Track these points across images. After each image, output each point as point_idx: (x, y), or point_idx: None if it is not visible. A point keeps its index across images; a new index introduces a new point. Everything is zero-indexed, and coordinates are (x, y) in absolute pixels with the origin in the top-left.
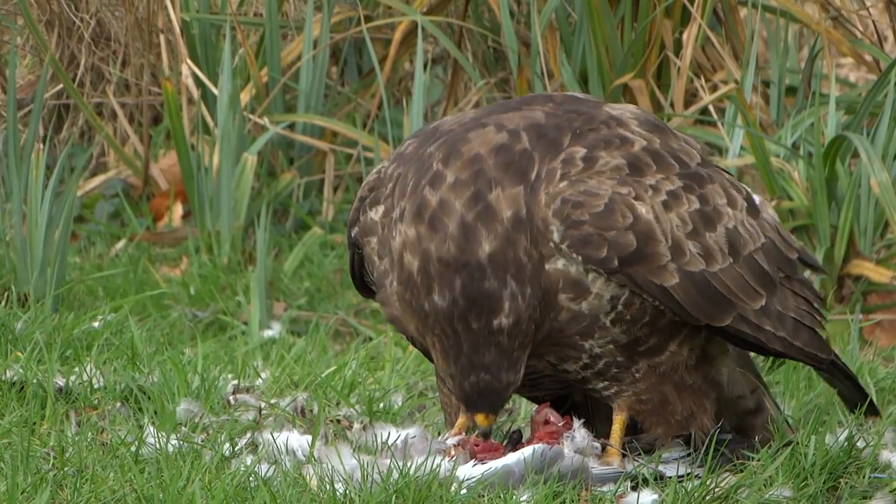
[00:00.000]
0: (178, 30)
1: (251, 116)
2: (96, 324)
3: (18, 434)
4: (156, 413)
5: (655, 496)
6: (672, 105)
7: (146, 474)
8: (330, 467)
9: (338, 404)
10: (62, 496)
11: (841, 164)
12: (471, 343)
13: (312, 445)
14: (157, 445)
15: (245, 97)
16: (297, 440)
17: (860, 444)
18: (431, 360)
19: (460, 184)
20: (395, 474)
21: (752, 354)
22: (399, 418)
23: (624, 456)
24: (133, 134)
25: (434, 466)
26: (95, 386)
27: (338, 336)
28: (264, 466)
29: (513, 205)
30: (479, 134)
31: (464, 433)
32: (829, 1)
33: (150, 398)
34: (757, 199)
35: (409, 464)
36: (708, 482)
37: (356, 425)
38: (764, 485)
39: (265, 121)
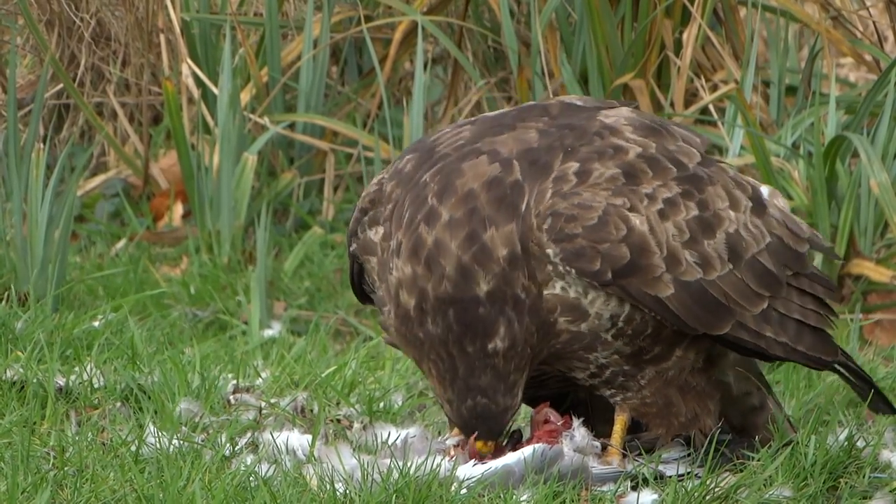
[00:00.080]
0: (178, 29)
1: (251, 116)
2: (96, 323)
3: (19, 434)
4: (156, 413)
5: (655, 496)
6: (672, 105)
7: (146, 474)
8: (330, 467)
9: (338, 404)
10: (62, 496)
11: (841, 164)
12: (466, 366)
13: (312, 445)
14: (158, 445)
15: (245, 97)
16: (297, 440)
17: (860, 443)
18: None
19: (455, 223)
20: (395, 474)
21: None
22: (399, 418)
23: (624, 456)
24: (133, 133)
25: (434, 466)
26: (96, 385)
27: (338, 336)
28: (264, 466)
29: (507, 243)
30: (473, 165)
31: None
32: (829, 1)
33: (150, 398)
34: (765, 190)
35: (409, 464)
36: (708, 482)
37: (356, 425)
38: (764, 484)
39: (265, 120)
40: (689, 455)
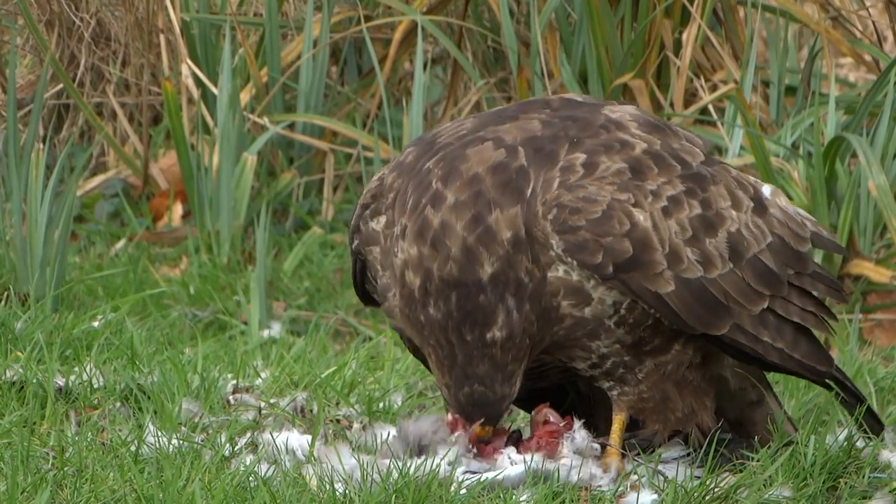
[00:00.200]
0: (178, 30)
1: (251, 116)
2: (96, 323)
3: (18, 434)
4: (155, 413)
5: (655, 496)
6: (672, 105)
7: (146, 474)
8: (330, 467)
9: (337, 404)
10: (62, 496)
11: (840, 164)
12: (465, 354)
13: (312, 445)
14: (157, 445)
15: (245, 97)
16: (296, 440)
17: (860, 443)
18: (428, 367)
19: (461, 205)
20: (395, 474)
21: None
22: (399, 418)
23: (623, 455)
24: (133, 134)
25: (434, 466)
26: (95, 386)
27: (337, 336)
28: (264, 466)
29: (512, 226)
30: (477, 151)
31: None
32: (829, 1)
33: (149, 398)
34: (767, 190)
35: (408, 464)
36: (708, 482)
37: (356, 425)
38: (763, 485)
39: (265, 120)
40: (688, 455)
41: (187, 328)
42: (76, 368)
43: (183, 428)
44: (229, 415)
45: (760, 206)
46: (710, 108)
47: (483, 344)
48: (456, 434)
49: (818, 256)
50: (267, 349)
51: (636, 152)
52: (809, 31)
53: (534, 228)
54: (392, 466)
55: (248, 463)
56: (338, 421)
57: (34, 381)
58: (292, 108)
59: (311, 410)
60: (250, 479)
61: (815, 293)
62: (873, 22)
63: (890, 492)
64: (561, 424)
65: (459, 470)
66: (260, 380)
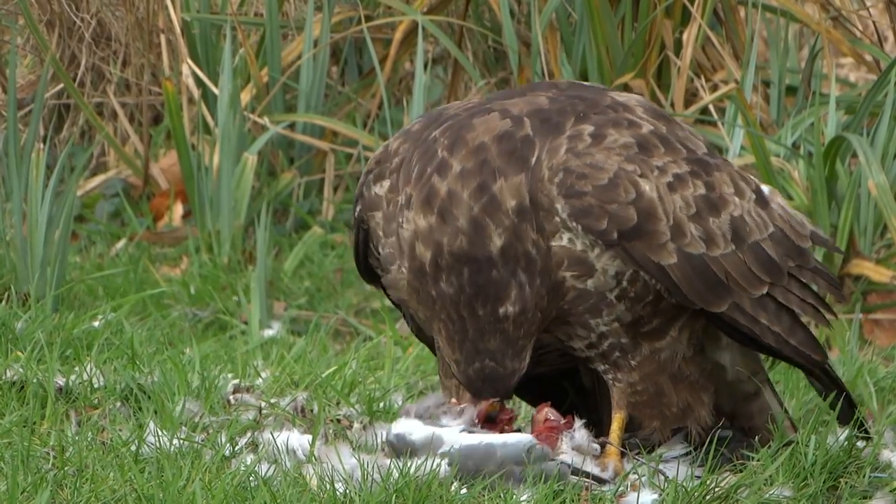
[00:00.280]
0: (178, 30)
1: (251, 116)
2: (96, 323)
3: (19, 434)
4: (156, 413)
5: (655, 496)
6: (672, 105)
7: (146, 474)
8: (330, 467)
9: (338, 404)
10: (62, 496)
11: (841, 164)
12: (476, 329)
13: (312, 445)
14: (158, 445)
15: (245, 97)
16: (297, 440)
17: (860, 443)
18: (432, 350)
19: (466, 173)
20: (395, 474)
21: None
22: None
23: (623, 454)
24: (133, 133)
25: (434, 466)
26: (95, 385)
27: (338, 336)
28: (264, 466)
29: (516, 195)
30: (484, 121)
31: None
32: (829, 1)
33: (150, 398)
34: (766, 189)
35: (408, 463)
36: (708, 482)
37: (356, 425)
38: (764, 484)
39: (265, 120)
40: (688, 454)
41: (188, 328)
42: (76, 368)
43: (183, 428)
44: (230, 414)
45: (762, 198)
46: (711, 107)
47: (495, 319)
48: (462, 406)
49: (818, 255)
50: (267, 349)
51: (643, 131)
52: (810, 31)
53: (539, 194)
54: (393, 466)
55: (248, 463)
56: (338, 421)
57: (34, 380)
58: (293, 108)
59: (312, 410)
60: (251, 478)
61: (814, 287)
62: (874, 22)
63: (890, 491)
64: (562, 422)
65: (458, 429)
66: (260, 379)
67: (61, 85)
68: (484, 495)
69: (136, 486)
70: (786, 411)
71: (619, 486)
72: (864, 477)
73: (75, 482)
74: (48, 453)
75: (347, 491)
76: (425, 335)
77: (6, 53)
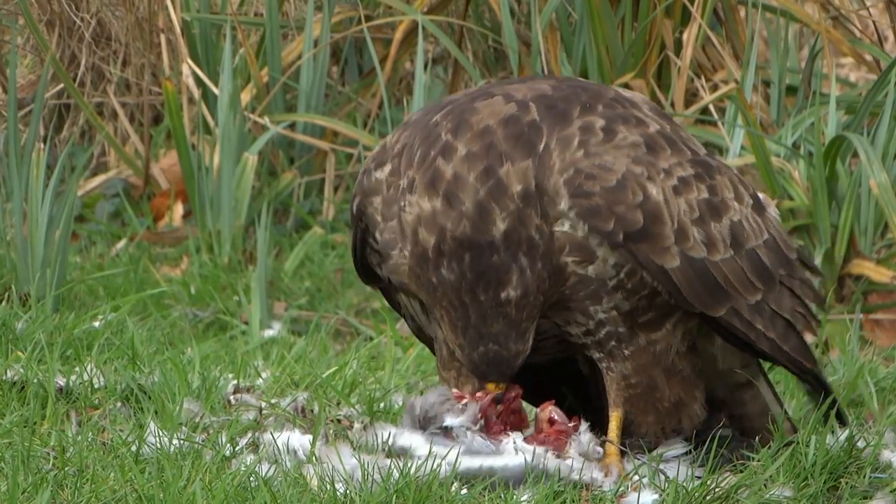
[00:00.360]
0: (178, 29)
1: (252, 116)
2: (97, 323)
3: (19, 434)
4: (156, 413)
5: (656, 496)
6: (672, 105)
7: (147, 474)
8: (330, 467)
9: (338, 404)
10: (63, 496)
11: (841, 164)
12: (479, 314)
13: (313, 445)
14: (158, 445)
15: (246, 97)
16: (297, 440)
17: (860, 443)
18: (432, 350)
19: (472, 157)
20: (396, 474)
21: None
22: (399, 418)
23: (623, 454)
24: (134, 133)
25: (435, 466)
26: (96, 386)
27: (338, 336)
28: (265, 466)
29: (522, 180)
30: (488, 104)
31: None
32: (830, 1)
33: (150, 398)
34: (761, 196)
35: (409, 463)
36: (708, 482)
37: (357, 425)
38: (764, 485)
39: (266, 120)
40: (688, 454)
41: (188, 328)
42: (77, 368)
43: (184, 428)
44: (230, 415)
45: (759, 204)
46: (711, 107)
47: (497, 303)
48: (464, 402)
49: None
50: (268, 349)
51: (650, 130)
52: (810, 31)
53: (546, 181)
54: (393, 466)
55: (248, 463)
56: (339, 421)
57: (35, 381)
58: (293, 108)
59: (312, 410)
60: (251, 479)
61: (800, 297)
62: (874, 22)
63: (891, 492)
64: (569, 424)
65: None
66: (261, 380)
67: (61, 85)
68: (484, 495)
69: (137, 487)
70: (785, 413)
71: (619, 486)
72: (864, 477)
73: (76, 482)
74: (49, 453)
75: (348, 491)
76: (425, 335)
77: (6, 53)
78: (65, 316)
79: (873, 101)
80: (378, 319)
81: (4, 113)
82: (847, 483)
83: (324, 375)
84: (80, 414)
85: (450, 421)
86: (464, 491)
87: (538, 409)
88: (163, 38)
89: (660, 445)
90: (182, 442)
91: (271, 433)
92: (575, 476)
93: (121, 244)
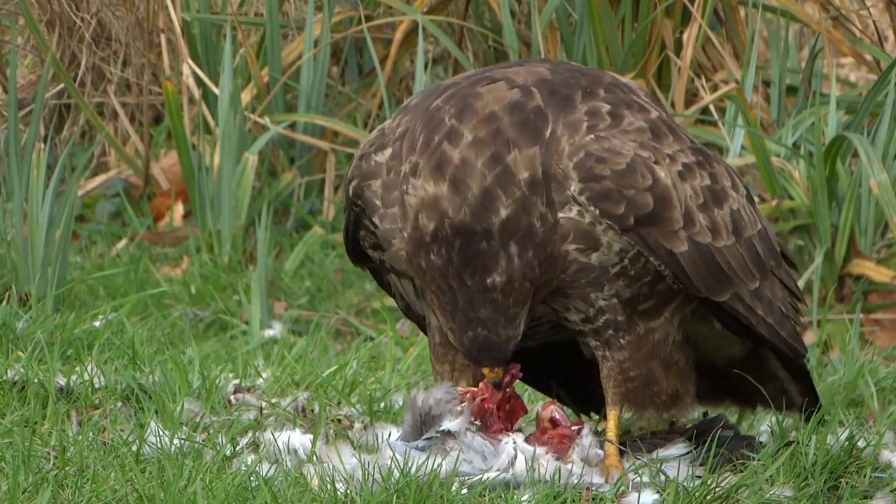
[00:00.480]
0: (178, 29)
1: (252, 116)
2: (97, 323)
3: (20, 434)
4: (157, 413)
5: (656, 495)
6: (673, 105)
7: (147, 474)
8: (331, 467)
9: (339, 404)
10: (63, 496)
11: (841, 164)
12: (466, 299)
13: (313, 445)
14: (159, 445)
15: (246, 97)
16: (298, 440)
17: (861, 443)
18: (421, 328)
19: (479, 142)
20: (396, 474)
21: None
22: (400, 418)
23: (623, 453)
24: (134, 133)
25: (435, 466)
26: (96, 385)
27: (339, 336)
28: (265, 466)
29: (530, 167)
30: (491, 89)
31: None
32: (830, 1)
33: (151, 398)
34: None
35: (409, 463)
36: (709, 482)
37: (357, 425)
38: (765, 484)
39: (266, 120)
40: (689, 454)
41: (188, 328)
42: (77, 368)
43: (184, 428)
44: (231, 414)
45: (750, 196)
46: (711, 107)
47: (483, 289)
48: (462, 405)
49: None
50: (268, 349)
51: (652, 116)
52: (810, 31)
53: (555, 167)
54: (393, 466)
55: (249, 463)
56: (339, 421)
57: (35, 380)
58: (293, 108)
59: (313, 410)
60: (252, 478)
61: (788, 288)
62: (874, 21)
63: (891, 491)
64: (572, 428)
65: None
66: (261, 379)
67: (62, 85)
68: (484, 495)
69: (137, 486)
70: (811, 384)
71: (619, 486)
72: (864, 477)
73: (76, 482)
74: (49, 453)
75: (348, 491)
76: (413, 313)
77: (7, 53)
78: (65, 316)
79: (873, 101)
80: (378, 319)
81: (5, 113)
82: (847, 483)
83: (324, 375)
84: (81, 414)
85: (448, 424)
86: (464, 491)
87: (540, 408)
88: (163, 38)
89: (660, 446)
90: (183, 442)
91: (272, 433)
92: (575, 480)
93: (121, 244)
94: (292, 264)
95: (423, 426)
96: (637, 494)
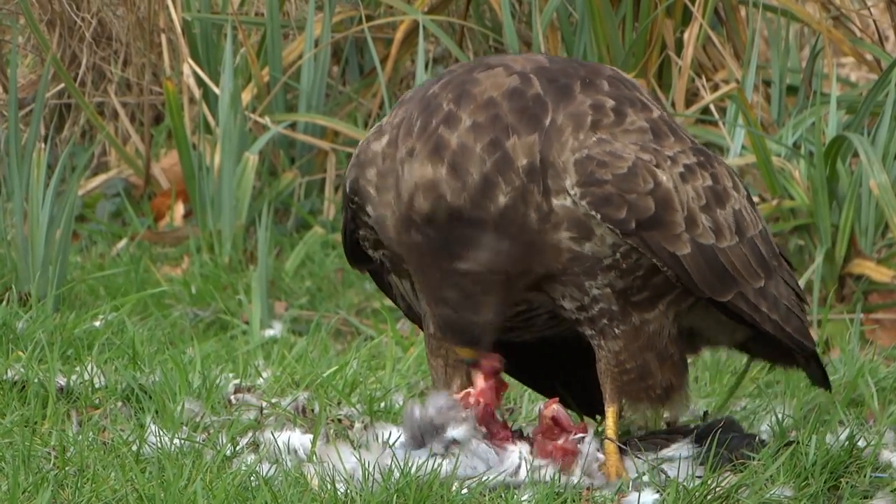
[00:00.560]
0: (179, 29)
1: (252, 116)
2: (97, 323)
3: (20, 433)
4: (157, 412)
5: (657, 495)
6: (673, 104)
7: (147, 474)
8: (331, 467)
9: (339, 404)
10: (63, 496)
11: (842, 164)
12: (439, 280)
13: (314, 445)
14: (159, 445)
15: (246, 96)
16: (298, 439)
17: (861, 443)
18: (421, 327)
19: (478, 127)
20: (396, 474)
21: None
22: (400, 418)
23: (622, 451)
24: (134, 133)
25: (435, 466)
26: (97, 385)
27: (339, 335)
28: (265, 466)
29: (528, 154)
30: (489, 75)
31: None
32: (830, 0)
33: (151, 397)
34: None
35: (409, 463)
36: (709, 481)
37: (357, 425)
38: (765, 484)
39: (266, 120)
40: (689, 453)
41: (189, 328)
42: (77, 368)
43: (184, 427)
44: (231, 414)
45: (749, 197)
46: (712, 107)
47: (453, 273)
48: (467, 412)
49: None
50: (268, 349)
51: (654, 115)
52: (811, 31)
53: (555, 157)
54: (394, 466)
55: (249, 462)
56: (339, 420)
57: (35, 380)
58: (294, 108)
59: (313, 410)
60: (252, 478)
61: (791, 286)
62: (874, 21)
63: (891, 491)
64: (576, 435)
65: (460, 468)
66: (261, 379)
67: (62, 84)
68: (485, 495)
69: (138, 486)
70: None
71: (619, 486)
72: (864, 477)
73: (76, 482)
74: (49, 453)
75: (348, 491)
76: (414, 313)
77: (7, 53)
78: (65, 315)
79: (874, 101)
80: (378, 319)
81: (5, 113)
82: (847, 483)
83: (324, 375)
84: (81, 413)
85: (453, 432)
86: (464, 491)
87: (542, 407)
88: (164, 37)
89: (663, 446)
90: (183, 441)
91: (272, 433)
92: (575, 480)
93: (121, 244)
94: (292, 264)
95: (423, 437)
96: (637, 494)
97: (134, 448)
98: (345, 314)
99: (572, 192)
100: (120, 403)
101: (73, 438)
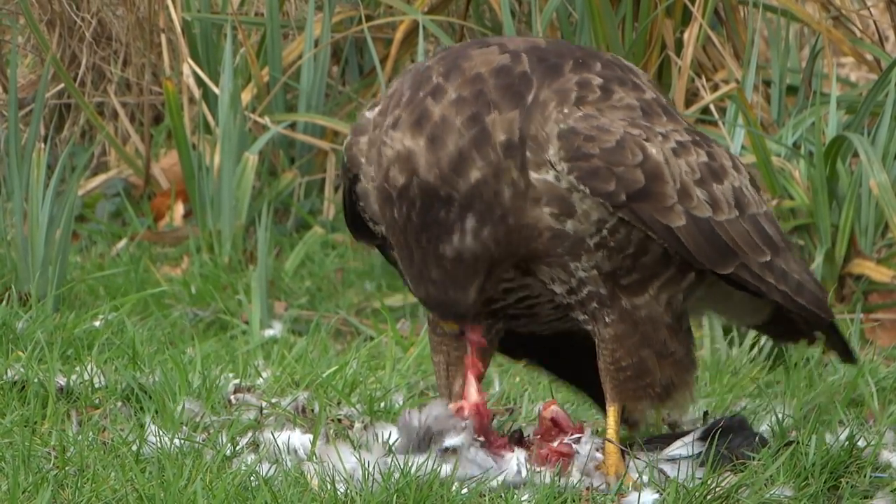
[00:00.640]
0: (179, 29)
1: (252, 116)
2: (97, 323)
3: (20, 433)
4: (157, 412)
5: (657, 495)
6: (673, 104)
7: (147, 474)
8: (331, 466)
9: (339, 404)
10: (63, 496)
11: (842, 164)
12: (421, 258)
13: (313, 445)
14: (159, 445)
15: (246, 96)
16: (298, 439)
17: (861, 443)
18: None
19: (462, 101)
20: (396, 474)
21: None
22: (403, 412)
23: (623, 452)
24: (134, 133)
25: (435, 466)
26: (96, 385)
27: (339, 335)
28: (265, 466)
29: (507, 130)
30: (482, 52)
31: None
32: (830, 0)
33: (151, 397)
34: None
35: (409, 463)
36: (709, 481)
37: (357, 425)
38: (765, 484)
39: (266, 120)
40: (689, 453)
41: (189, 328)
42: (77, 368)
43: (184, 427)
44: (231, 414)
45: (755, 184)
46: (712, 107)
47: (436, 254)
48: (465, 422)
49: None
50: (268, 349)
51: (647, 97)
52: (811, 31)
53: (538, 129)
54: (394, 466)
55: (249, 462)
56: (339, 420)
57: (35, 380)
58: (293, 108)
59: (313, 410)
60: (252, 478)
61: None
62: (874, 21)
63: (891, 491)
64: (573, 436)
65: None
66: (261, 379)
67: (62, 84)
68: (485, 495)
69: (138, 486)
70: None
71: (619, 486)
72: (864, 477)
73: (76, 482)
74: (49, 453)
75: (348, 491)
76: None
77: (7, 53)
78: (65, 315)
79: (874, 101)
80: (378, 319)
81: (5, 113)
82: (847, 483)
83: (324, 375)
84: (81, 413)
85: (451, 441)
86: (464, 491)
87: (541, 406)
88: (163, 37)
89: (666, 446)
90: (183, 441)
91: (272, 433)
92: (575, 480)
93: (121, 244)
94: (292, 264)
95: (420, 445)
96: (637, 494)
97: (134, 448)
98: (345, 314)
99: (558, 167)
100: (120, 403)
101: (73, 438)
